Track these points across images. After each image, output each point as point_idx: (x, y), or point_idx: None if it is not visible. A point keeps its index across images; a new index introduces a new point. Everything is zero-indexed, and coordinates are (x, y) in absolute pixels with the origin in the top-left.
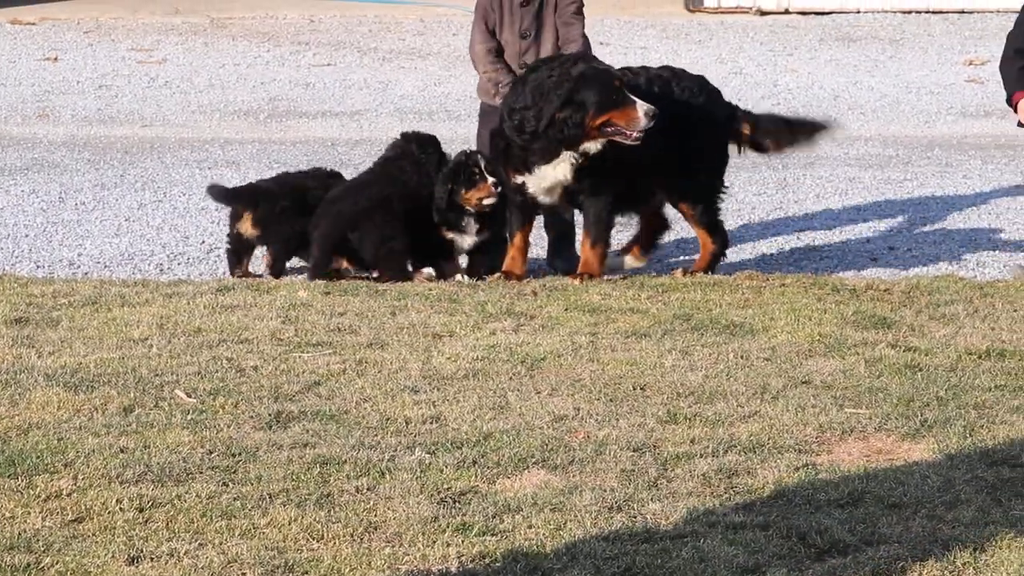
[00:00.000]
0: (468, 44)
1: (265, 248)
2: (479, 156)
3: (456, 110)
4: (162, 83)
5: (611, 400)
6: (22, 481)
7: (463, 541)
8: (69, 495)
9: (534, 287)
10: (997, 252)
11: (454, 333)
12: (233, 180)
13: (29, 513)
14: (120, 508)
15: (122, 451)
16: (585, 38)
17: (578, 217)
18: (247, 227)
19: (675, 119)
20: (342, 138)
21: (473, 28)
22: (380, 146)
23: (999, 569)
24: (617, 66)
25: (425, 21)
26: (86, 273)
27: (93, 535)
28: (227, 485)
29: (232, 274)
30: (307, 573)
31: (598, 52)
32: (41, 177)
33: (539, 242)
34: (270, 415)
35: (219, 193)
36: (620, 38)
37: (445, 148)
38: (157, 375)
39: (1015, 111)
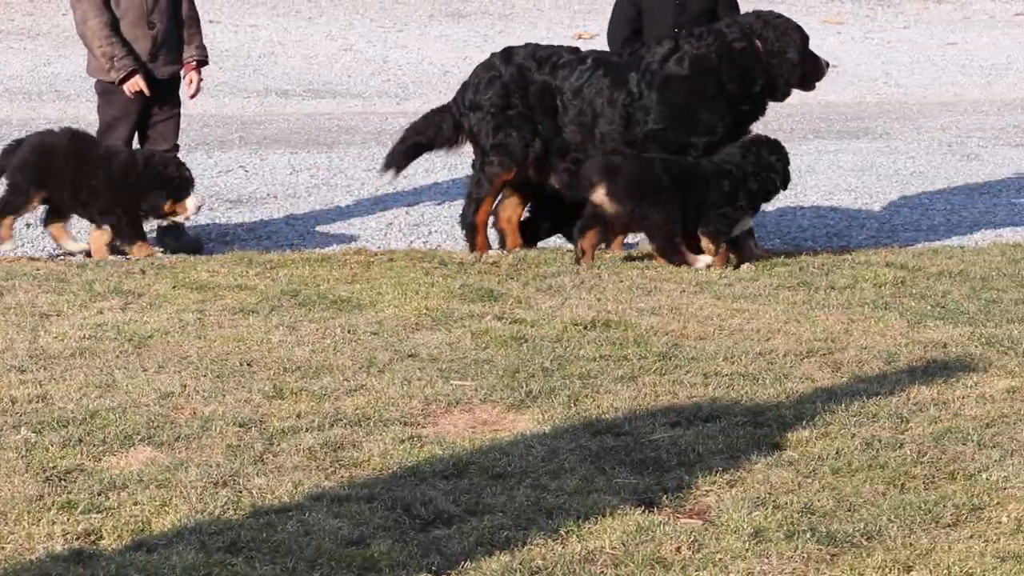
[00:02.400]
0: (78, 22)
1: None
2: None
3: (66, 90)
4: None
5: (218, 376)
6: None
7: (69, 519)
8: None
9: (142, 265)
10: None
11: (61, 312)
12: None
13: None
14: None
15: None
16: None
17: None
18: None
19: None
20: None
21: (83, 3)
22: None
23: (602, 536)
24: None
25: (35, 1)
26: None
27: None
28: None
29: None
30: None
31: (208, 29)
32: None
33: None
34: None
35: None
36: (231, 16)
37: (53, 127)
38: None
39: None
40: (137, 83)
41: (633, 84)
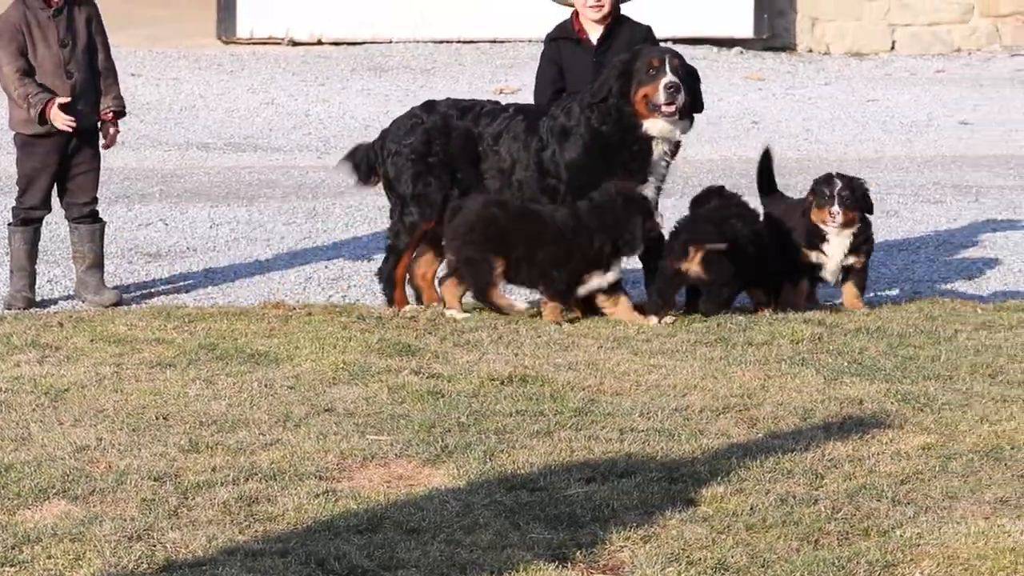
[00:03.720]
0: None
1: None
2: None
3: None
4: None
5: (133, 430)
6: None
7: None
8: None
9: (60, 318)
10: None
11: None
12: None
13: None
14: None
15: None
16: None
17: None
18: None
19: None
20: None
21: None
22: None
23: None
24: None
25: None
26: None
27: None
28: None
29: None
30: None
31: (129, 83)
32: None
33: None
34: None
35: None
36: (152, 69)
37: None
38: None
39: None
40: (58, 113)
41: (544, 131)
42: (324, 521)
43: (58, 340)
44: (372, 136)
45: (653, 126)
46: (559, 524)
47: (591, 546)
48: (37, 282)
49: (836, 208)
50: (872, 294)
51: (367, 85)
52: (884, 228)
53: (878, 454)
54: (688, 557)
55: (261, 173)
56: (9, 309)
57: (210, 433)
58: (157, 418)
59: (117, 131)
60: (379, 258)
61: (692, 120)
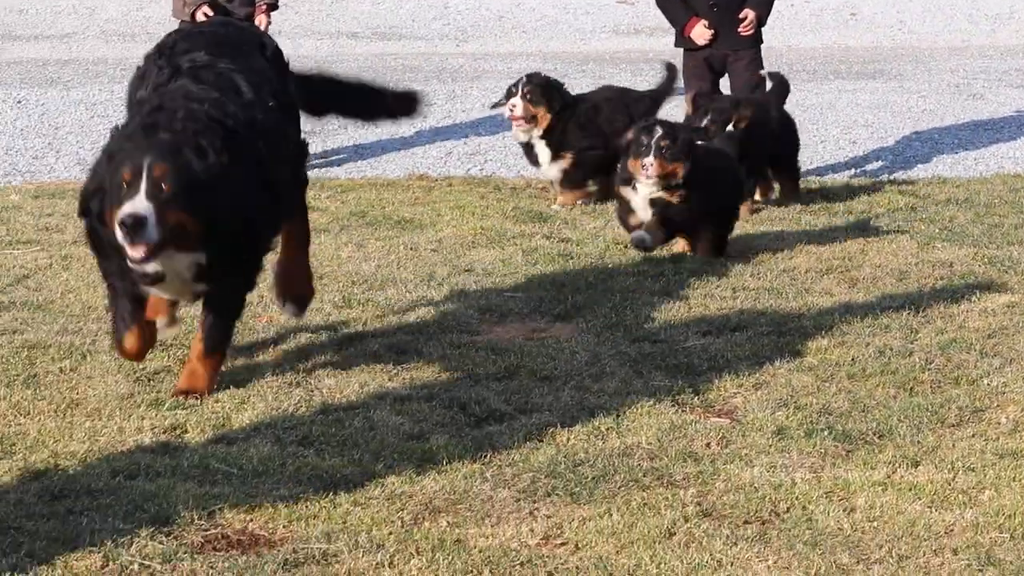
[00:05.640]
0: None
1: None
2: None
3: (157, 32)
4: None
5: None
6: None
7: (156, 415)
8: None
9: None
10: None
11: None
12: None
13: None
14: None
15: None
16: None
17: None
18: None
19: None
20: (52, 59)
21: None
22: (87, 65)
23: (639, 433)
24: None
25: None
26: None
27: None
28: None
29: None
30: (14, 445)
31: None
32: None
33: None
34: None
35: None
36: None
37: None
38: None
39: (689, 38)
40: (203, 11)
41: None
42: (465, 369)
43: None
44: (506, 27)
45: None
46: (678, 373)
47: (707, 393)
48: None
49: (650, 159)
50: (961, 168)
51: None
52: (971, 110)
53: (967, 311)
54: (795, 403)
55: (405, 59)
56: None
57: (361, 291)
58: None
59: (269, 23)
60: (511, 134)
61: None
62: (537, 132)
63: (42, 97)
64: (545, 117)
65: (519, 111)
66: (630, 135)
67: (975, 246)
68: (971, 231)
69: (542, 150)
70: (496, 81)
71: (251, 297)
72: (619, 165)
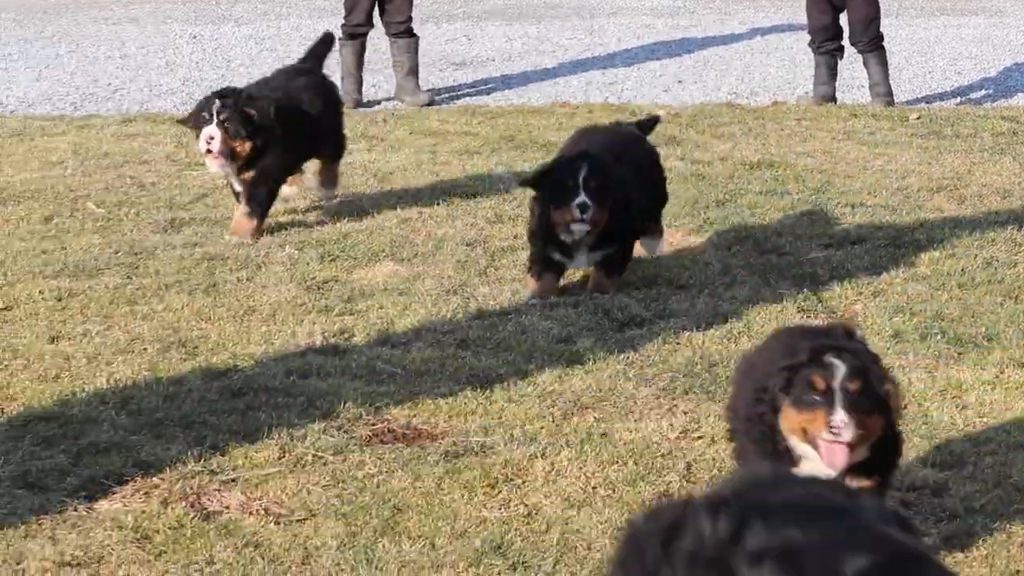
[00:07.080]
0: None
1: None
2: None
3: None
4: None
5: (448, 205)
6: None
7: (326, 320)
8: (0, 288)
9: (384, 115)
10: (767, 83)
11: None
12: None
13: None
14: (42, 298)
15: (43, 252)
16: None
17: None
18: None
19: None
20: None
21: None
22: (256, 3)
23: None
24: None
25: None
26: (12, 111)
27: (20, 320)
28: (130, 278)
29: None
30: (196, 347)
31: None
32: None
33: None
34: (166, 221)
35: None
36: None
37: None
38: (72, 190)
39: None
40: None
41: None
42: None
43: (383, 133)
44: None
45: None
46: (803, 281)
47: (829, 300)
48: (363, 86)
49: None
50: None
51: None
52: None
53: None
54: (911, 309)
55: None
56: None
57: (511, 208)
58: (467, 195)
59: None
60: (646, 66)
61: None
62: None
63: (215, 32)
64: None
65: None
66: None
67: None
68: None
69: None
70: (630, 17)
71: (411, 214)
72: None
